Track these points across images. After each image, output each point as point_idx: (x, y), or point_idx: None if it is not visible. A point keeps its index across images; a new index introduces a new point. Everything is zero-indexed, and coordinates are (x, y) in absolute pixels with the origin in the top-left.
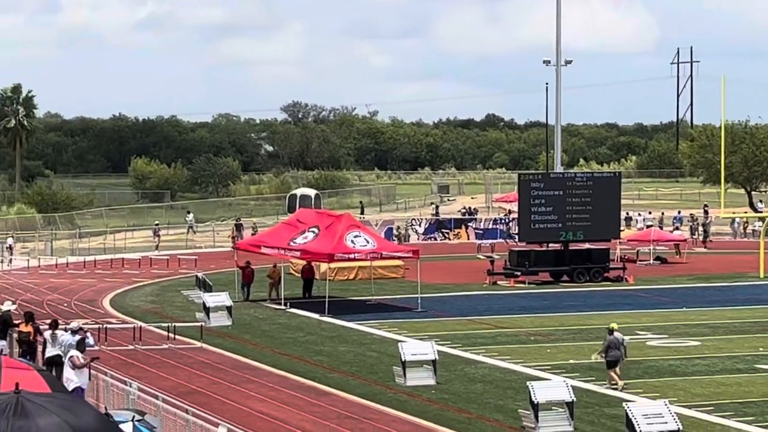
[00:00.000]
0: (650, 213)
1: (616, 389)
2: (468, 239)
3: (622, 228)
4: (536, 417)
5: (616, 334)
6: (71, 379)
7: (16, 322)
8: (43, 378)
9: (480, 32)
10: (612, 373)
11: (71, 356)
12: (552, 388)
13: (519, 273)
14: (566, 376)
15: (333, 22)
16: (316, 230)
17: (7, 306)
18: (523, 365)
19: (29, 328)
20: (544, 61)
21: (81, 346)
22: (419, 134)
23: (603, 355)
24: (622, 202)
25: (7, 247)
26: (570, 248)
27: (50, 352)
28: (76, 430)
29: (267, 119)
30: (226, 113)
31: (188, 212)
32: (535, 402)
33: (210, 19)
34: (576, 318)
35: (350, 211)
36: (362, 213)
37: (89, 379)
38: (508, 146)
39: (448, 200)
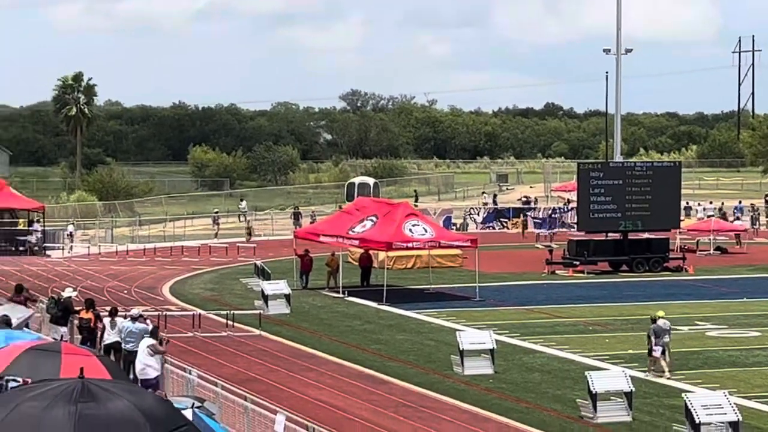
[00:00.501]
0: (710, 203)
1: (661, 377)
2: (527, 228)
3: (681, 218)
4: (594, 407)
5: (660, 321)
6: (152, 365)
7: (77, 308)
8: (103, 364)
9: (539, 21)
10: (662, 362)
11: (152, 344)
12: (611, 378)
13: (578, 262)
14: (625, 366)
15: (392, 10)
16: (374, 219)
17: (69, 293)
18: (581, 355)
19: (90, 315)
20: (604, 50)
21: (155, 333)
22: (478, 123)
23: (652, 344)
24: (682, 191)
25: (68, 234)
26: (629, 238)
27: (109, 338)
28: (144, 413)
29: (326, 108)
30: (285, 102)
31: (241, 200)
32: (594, 392)
33: (269, 7)
34: (635, 308)
35: (407, 200)
36: (416, 201)
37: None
38: (568, 135)
39: (507, 189)
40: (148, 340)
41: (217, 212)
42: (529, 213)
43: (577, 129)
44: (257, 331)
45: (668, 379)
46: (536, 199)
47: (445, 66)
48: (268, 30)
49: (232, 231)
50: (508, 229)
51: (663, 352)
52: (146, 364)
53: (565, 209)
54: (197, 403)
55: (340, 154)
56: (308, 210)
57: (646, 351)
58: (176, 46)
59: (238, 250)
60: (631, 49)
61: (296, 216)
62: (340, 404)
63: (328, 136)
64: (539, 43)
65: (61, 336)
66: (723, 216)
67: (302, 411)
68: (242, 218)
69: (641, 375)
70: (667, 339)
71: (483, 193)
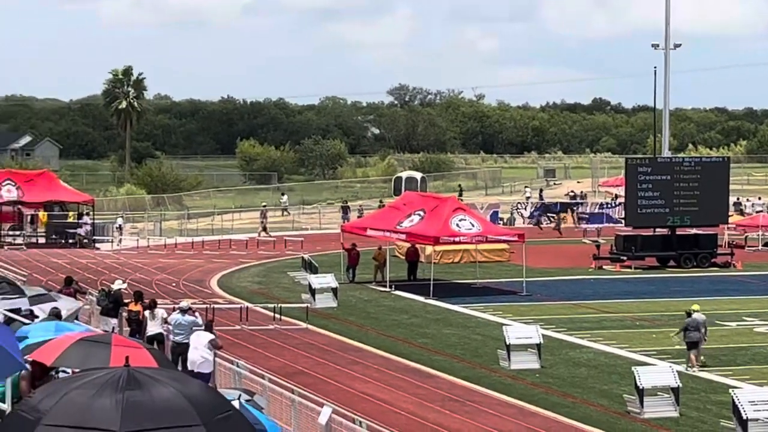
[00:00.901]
0: (759, 198)
1: (693, 371)
2: (573, 223)
3: (730, 213)
4: (641, 402)
5: (695, 315)
6: (210, 360)
7: (126, 301)
8: (152, 355)
9: (587, 15)
10: (691, 355)
11: (213, 338)
12: (658, 374)
13: (625, 258)
14: (672, 362)
15: (440, 5)
16: (421, 213)
17: (118, 285)
18: (628, 350)
19: (138, 307)
20: (652, 45)
21: (210, 328)
22: (525, 118)
23: (682, 337)
24: (731, 187)
25: (117, 227)
26: (677, 233)
27: (151, 330)
28: (190, 400)
29: (373, 102)
30: (333, 96)
31: (282, 194)
32: (641, 387)
33: (317, 2)
34: (682, 303)
35: (454, 195)
36: (461, 196)
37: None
38: (615, 130)
39: (554, 184)
40: (208, 335)
41: (265, 206)
42: (576, 208)
43: (625, 124)
44: (304, 325)
45: (692, 371)
46: (585, 194)
47: (492, 60)
48: (315, 24)
49: (280, 225)
50: (561, 224)
51: (696, 346)
52: (205, 358)
53: (613, 204)
54: (246, 396)
55: (388, 149)
56: (355, 204)
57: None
58: (225, 40)
59: (285, 244)
60: (680, 44)
61: (345, 210)
62: (387, 398)
63: (376, 131)
64: (587, 37)
65: (112, 328)
66: None
67: (349, 404)
68: (285, 212)
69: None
70: (701, 333)
71: (526, 187)
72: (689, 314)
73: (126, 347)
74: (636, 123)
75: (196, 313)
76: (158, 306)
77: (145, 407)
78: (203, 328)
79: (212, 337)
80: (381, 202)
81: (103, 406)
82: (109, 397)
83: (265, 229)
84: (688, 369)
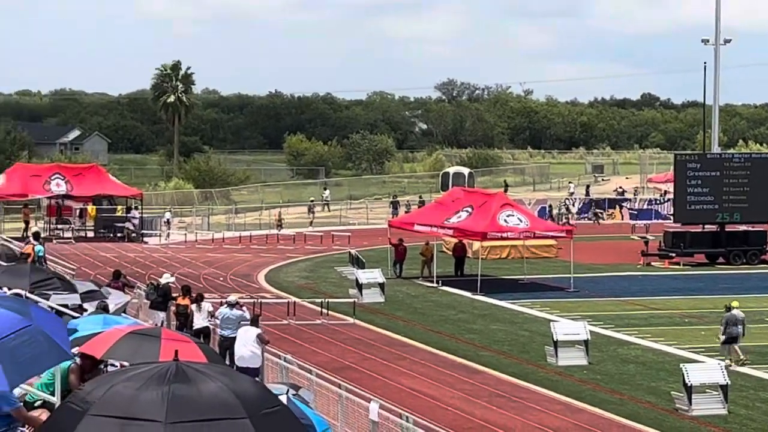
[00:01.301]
0: None
1: (732, 366)
2: (622, 219)
3: None
4: (690, 399)
5: (734, 311)
6: (258, 355)
7: (174, 295)
8: (202, 350)
9: (636, 11)
10: (736, 347)
11: (260, 333)
12: (706, 371)
13: (674, 254)
14: (720, 359)
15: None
16: (469, 209)
17: (167, 279)
18: (676, 347)
19: (186, 301)
20: (702, 41)
21: (256, 322)
22: (574, 113)
23: (722, 332)
24: None
25: (165, 222)
26: (726, 230)
27: (198, 324)
28: (237, 394)
29: (421, 97)
30: (381, 91)
31: (324, 188)
32: (689, 384)
33: None
34: (731, 301)
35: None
36: (505, 192)
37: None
38: (664, 126)
39: (602, 180)
40: (255, 330)
41: (312, 201)
42: (624, 204)
43: (674, 120)
44: (351, 320)
45: (729, 367)
46: (635, 190)
47: (541, 56)
48: (364, 19)
49: (327, 220)
50: (603, 219)
51: (736, 340)
52: (253, 353)
53: (662, 200)
54: (293, 391)
55: (435, 144)
56: (403, 200)
57: (728, 340)
58: (272, 35)
59: (332, 239)
60: (730, 40)
61: (394, 205)
62: (433, 393)
63: (424, 126)
64: (636, 33)
65: (161, 321)
66: None
67: (395, 399)
68: (327, 208)
69: (739, 368)
70: (740, 329)
71: (569, 182)
72: (728, 309)
73: (175, 341)
74: (685, 119)
75: (244, 308)
76: (205, 300)
77: (191, 400)
78: (250, 322)
79: (259, 331)
80: (420, 199)
81: (149, 397)
82: (155, 389)
83: (280, 224)
84: (730, 364)
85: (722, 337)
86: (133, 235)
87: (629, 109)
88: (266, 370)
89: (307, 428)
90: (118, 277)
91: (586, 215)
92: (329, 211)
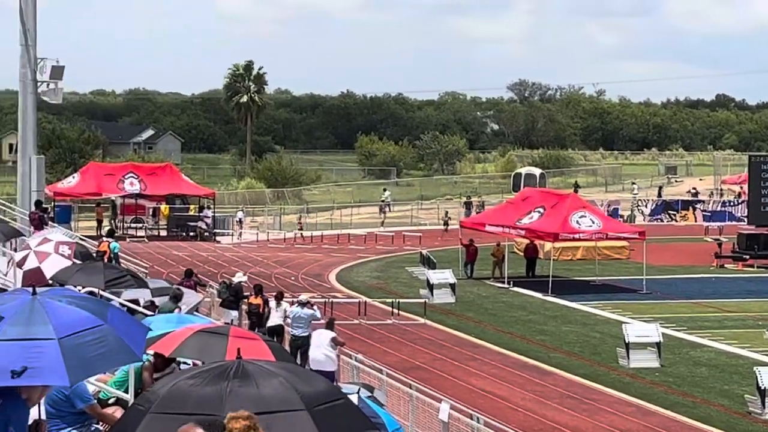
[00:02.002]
0: None
1: None
2: (695, 221)
3: None
4: (763, 403)
5: None
6: (333, 358)
7: (246, 294)
8: (270, 348)
9: (710, 10)
10: None
11: (334, 336)
12: None
13: (747, 256)
14: None
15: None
16: (541, 210)
17: (239, 278)
18: (749, 350)
19: (258, 301)
20: None
21: (332, 325)
22: (647, 114)
23: None
24: None
25: (237, 221)
26: None
27: (272, 321)
28: (296, 388)
29: (493, 98)
30: (453, 91)
31: (384, 189)
32: (763, 387)
33: None
34: None
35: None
36: (576, 192)
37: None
38: (739, 127)
39: (676, 181)
40: (330, 333)
41: (383, 201)
42: (698, 205)
43: (749, 121)
44: (422, 320)
45: None
46: (712, 192)
47: (613, 56)
48: (435, 19)
49: (398, 220)
50: (676, 221)
51: None
52: (327, 356)
53: (736, 202)
54: (367, 392)
55: (507, 144)
56: (476, 200)
57: None
58: (344, 35)
59: (404, 239)
60: None
61: (468, 206)
62: (504, 394)
63: (495, 126)
64: (710, 32)
65: (231, 320)
66: None
67: (466, 400)
68: (388, 209)
69: None
70: None
71: (633, 183)
72: None
73: (243, 339)
74: (760, 120)
75: (315, 307)
76: (284, 299)
77: (250, 394)
78: (325, 324)
79: (334, 335)
80: (469, 198)
81: (208, 394)
82: (215, 386)
83: (301, 228)
84: None
85: None
86: (206, 234)
87: (703, 109)
88: (338, 370)
89: (376, 426)
90: (190, 275)
91: (658, 217)
92: (390, 211)
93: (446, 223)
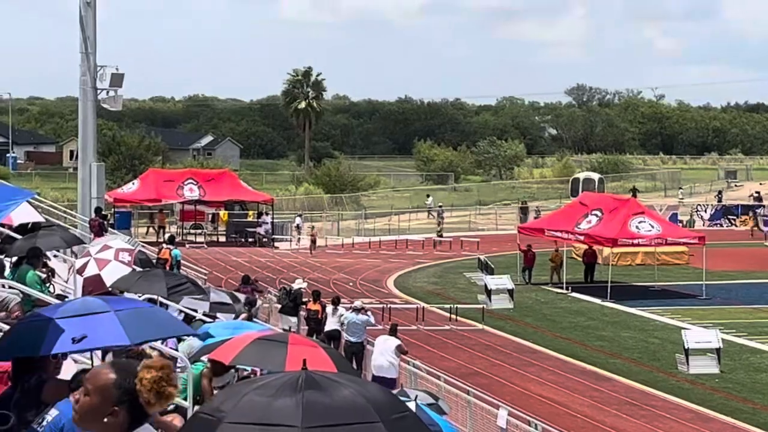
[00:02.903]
0: None
1: None
2: (755, 226)
3: None
4: None
5: None
6: (394, 364)
7: (305, 300)
8: (329, 356)
9: None
10: None
11: (399, 344)
12: None
13: None
14: None
15: (617, 4)
16: (599, 213)
17: (299, 284)
18: None
19: (317, 307)
20: None
21: (395, 331)
22: (706, 118)
23: None
24: None
25: (295, 227)
26: None
27: (329, 326)
28: (367, 398)
29: (551, 102)
30: (510, 96)
31: (428, 196)
32: None
33: (493, 2)
34: None
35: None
36: (634, 197)
37: None
38: None
39: (736, 186)
40: (395, 341)
41: (441, 206)
42: (758, 210)
43: None
44: (480, 326)
45: None
46: None
47: (672, 60)
48: (493, 24)
49: (456, 225)
50: (736, 226)
51: None
52: (390, 363)
53: None
54: (430, 399)
55: (565, 149)
56: (533, 205)
57: None
58: (402, 40)
59: (461, 245)
60: None
61: (523, 210)
62: (562, 400)
63: (553, 131)
64: None
65: (289, 327)
66: None
67: (524, 406)
68: (431, 215)
69: None
70: None
71: (680, 188)
72: None
73: (303, 346)
74: None
75: (369, 312)
76: (341, 305)
77: (325, 405)
78: (389, 331)
79: (399, 342)
80: (524, 203)
81: (284, 404)
82: (288, 396)
83: (314, 241)
84: None
85: None
86: (264, 240)
87: (763, 113)
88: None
89: None
90: (247, 282)
91: (717, 222)
92: (434, 218)
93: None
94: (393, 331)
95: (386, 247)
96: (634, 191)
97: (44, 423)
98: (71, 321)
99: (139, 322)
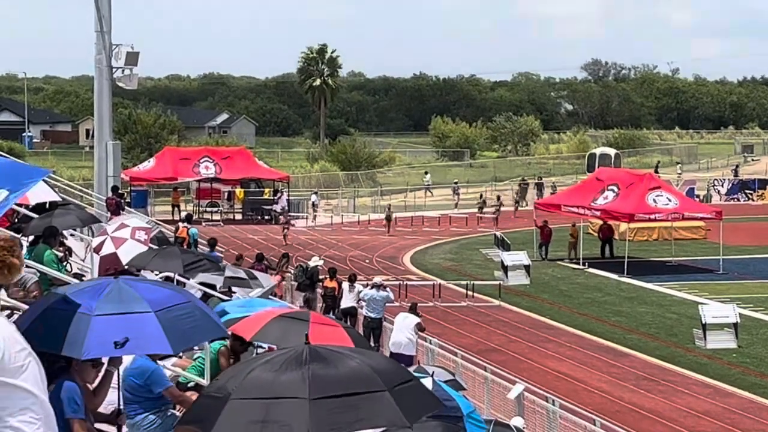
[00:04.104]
0: None
1: None
2: None
3: None
4: None
5: None
6: (413, 341)
7: (321, 277)
8: (349, 335)
9: None
10: None
11: (418, 322)
12: None
13: None
14: None
15: None
16: (615, 189)
17: (315, 261)
18: None
19: (333, 284)
20: None
21: (415, 309)
22: (723, 93)
23: None
24: None
25: (311, 204)
26: None
27: (346, 303)
28: (372, 367)
29: (567, 78)
30: (526, 72)
31: (426, 172)
32: None
33: None
34: None
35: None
36: (657, 172)
37: None
38: None
39: (752, 160)
40: (414, 318)
41: (456, 183)
42: None
43: None
44: (497, 302)
45: None
46: None
47: (688, 34)
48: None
49: (472, 201)
50: (753, 200)
51: None
52: (409, 339)
53: None
54: (448, 376)
55: (581, 125)
56: (549, 180)
57: None
58: (417, 16)
59: (478, 221)
60: None
61: (539, 187)
62: (580, 376)
63: (569, 107)
64: None
65: (306, 299)
66: None
67: (541, 382)
68: (429, 192)
69: None
70: None
71: (677, 163)
72: None
73: (323, 325)
74: None
75: (388, 289)
76: (357, 282)
77: (331, 376)
78: (408, 308)
79: (418, 320)
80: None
81: (290, 378)
82: (294, 370)
83: (287, 227)
84: None
85: None
86: (281, 217)
87: None
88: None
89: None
90: (261, 259)
91: (735, 196)
92: (432, 195)
93: (480, 208)
94: (413, 309)
95: (402, 224)
96: (657, 167)
97: None
98: (111, 320)
99: (179, 327)
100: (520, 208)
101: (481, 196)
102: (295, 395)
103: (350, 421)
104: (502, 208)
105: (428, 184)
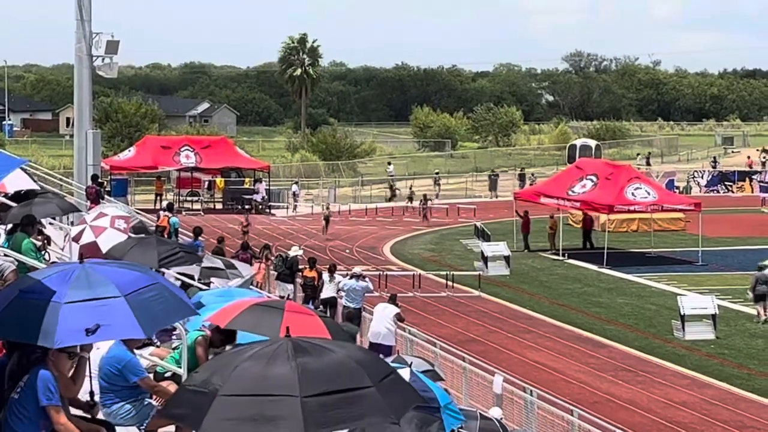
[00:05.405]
0: None
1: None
2: (752, 192)
3: None
4: None
5: (766, 271)
6: (392, 331)
7: (301, 267)
8: (325, 324)
9: None
10: (759, 308)
11: (398, 312)
12: None
13: None
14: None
15: None
16: (594, 178)
17: (295, 251)
18: None
19: (313, 274)
20: None
21: (395, 300)
22: (703, 85)
23: (752, 290)
24: None
25: (292, 194)
26: None
27: (326, 293)
28: (358, 362)
29: (548, 69)
30: (507, 63)
31: (389, 163)
32: None
33: None
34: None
35: (630, 163)
36: (648, 165)
37: None
38: None
39: (732, 152)
40: (393, 308)
41: (437, 173)
42: (755, 177)
43: None
44: (476, 292)
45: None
46: (764, 163)
47: (670, 26)
48: None
49: (453, 192)
50: (732, 192)
51: (764, 298)
52: (388, 330)
53: None
54: (426, 366)
55: (562, 116)
56: (529, 172)
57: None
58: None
59: (458, 211)
60: None
61: (521, 177)
62: (558, 366)
63: (550, 98)
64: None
65: (288, 294)
66: None
67: (520, 373)
68: (391, 184)
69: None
70: (766, 287)
71: (638, 154)
72: (761, 269)
73: (298, 314)
74: None
75: (367, 279)
76: (337, 272)
77: (319, 371)
78: (388, 299)
79: (398, 310)
80: (522, 170)
81: (280, 373)
82: (282, 365)
83: (247, 224)
84: (756, 321)
85: (751, 295)
86: (261, 207)
87: (760, 79)
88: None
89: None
90: (246, 248)
91: (714, 188)
92: (397, 189)
93: (411, 199)
94: (392, 300)
95: (383, 214)
96: (648, 157)
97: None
98: (82, 308)
99: (149, 309)
100: (491, 200)
101: (410, 188)
102: (287, 392)
103: (342, 418)
104: (477, 199)
105: (392, 175)
